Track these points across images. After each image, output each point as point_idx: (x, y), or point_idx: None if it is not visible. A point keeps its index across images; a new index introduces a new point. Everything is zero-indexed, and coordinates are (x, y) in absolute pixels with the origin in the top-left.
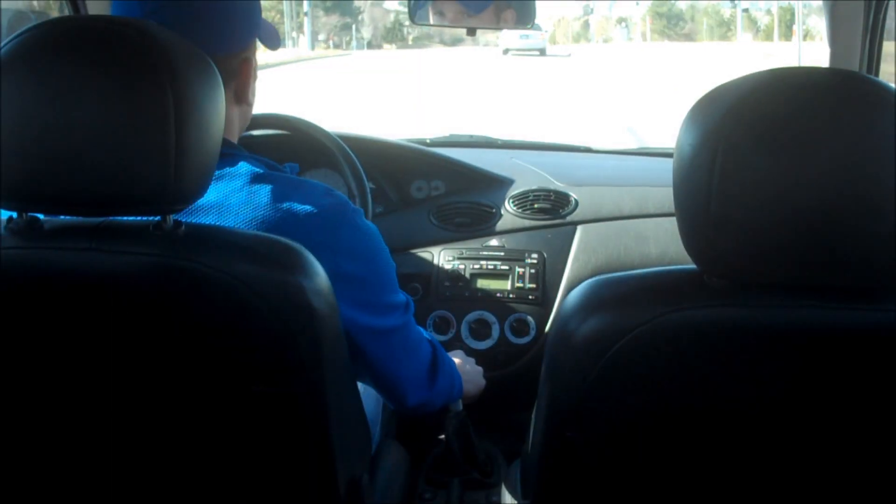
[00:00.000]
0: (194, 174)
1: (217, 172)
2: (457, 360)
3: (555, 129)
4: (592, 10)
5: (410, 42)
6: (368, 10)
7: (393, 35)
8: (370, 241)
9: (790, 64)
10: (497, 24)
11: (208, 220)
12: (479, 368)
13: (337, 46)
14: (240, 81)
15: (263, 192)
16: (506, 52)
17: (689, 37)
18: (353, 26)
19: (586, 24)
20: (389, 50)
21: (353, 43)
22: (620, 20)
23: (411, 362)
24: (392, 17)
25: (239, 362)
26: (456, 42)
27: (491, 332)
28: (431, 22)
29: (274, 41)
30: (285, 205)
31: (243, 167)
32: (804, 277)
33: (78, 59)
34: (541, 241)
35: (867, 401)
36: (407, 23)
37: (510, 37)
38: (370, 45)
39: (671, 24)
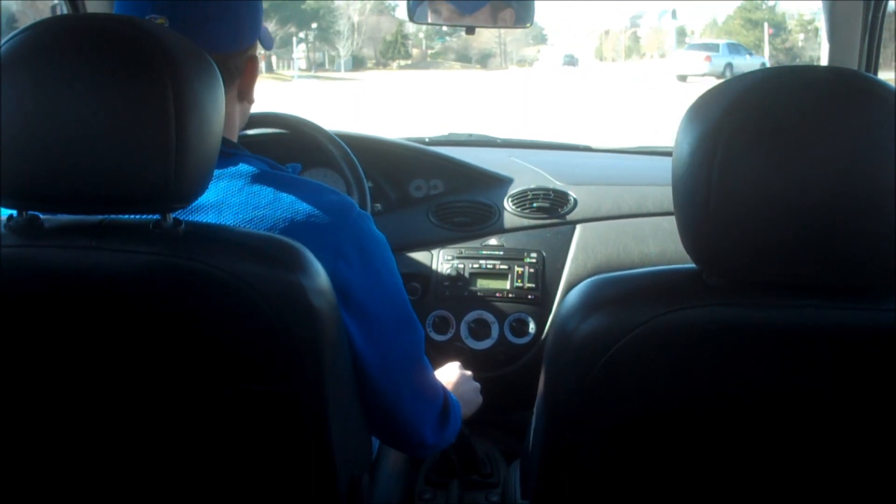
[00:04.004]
0: (194, 173)
1: (217, 172)
2: (452, 379)
3: None
4: (667, 16)
5: (429, 59)
6: (365, 18)
7: (394, 51)
8: (375, 247)
9: None
10: (494, 23)
11: (208, 219)
12: (476, 385)
13: (320, 66)
14: (245, 79)
15: (264, 192)
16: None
17: (790, 52)
18: (294, 38)
19: (635, 37)
20: (390, 71)
21: (294, 63)
22: (681, 32)
23: (424, 401)
24: (396, 27)
25: (238, 361)
26: (485, 59)
27: (490, 331)
28: (434, 21)
29: (269, 41)
30: (286, 205)
31: (244, 167)
32: (803, 276)
33: (77, 57)
34: (540, 241)
35: (867, 400)
36: (422, 34)
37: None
38: (358, 64)
39: (770, 36)
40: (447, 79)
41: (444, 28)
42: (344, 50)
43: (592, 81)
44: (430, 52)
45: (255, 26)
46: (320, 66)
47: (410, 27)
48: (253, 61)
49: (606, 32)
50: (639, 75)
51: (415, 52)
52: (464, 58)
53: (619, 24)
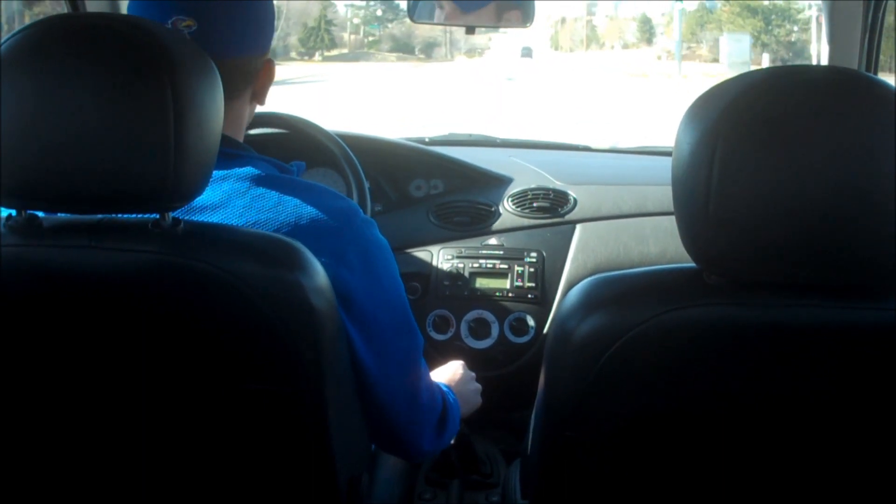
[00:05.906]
0: (193, 172)
1: (223, 173)
2: (455, 377)
3: None
4: (624, 5)
5: (366, 48)
6: (288, 2)
7: (317, 40)
8: (378, 252)
9: None
10: (498, 23)
11: (211, 220)
12: (477, 386)
13: None
14: (261, 82)
15: (269, 195)
16: None
17: (794, 48)
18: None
19: (591, 26)
20: (312, 63)
21: None
22: (644, 21)
23: (422, 408)
24: (334, 10)
25: (238, 360)
26: (429, 48)
27: (490, 331)
28: (434, 20)
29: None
30: (290, 209)
31: (249, 169)
32: (803, 276)
33: (76, 56)
34: (540, 240)
35: (867, 400)
36: (357, 19)
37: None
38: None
39: (768, 28)
40: (370, 75)
41: (379, 13)
42: None
43: (564, 77)
44: (369, 39)
45: (273, 29)
46: None
47: (340, 10)
48: (269, 63)
49: (562, 21)
50: (642, 67)
51: (352, 38)
52: (406, 47)
53: (573, 12)
